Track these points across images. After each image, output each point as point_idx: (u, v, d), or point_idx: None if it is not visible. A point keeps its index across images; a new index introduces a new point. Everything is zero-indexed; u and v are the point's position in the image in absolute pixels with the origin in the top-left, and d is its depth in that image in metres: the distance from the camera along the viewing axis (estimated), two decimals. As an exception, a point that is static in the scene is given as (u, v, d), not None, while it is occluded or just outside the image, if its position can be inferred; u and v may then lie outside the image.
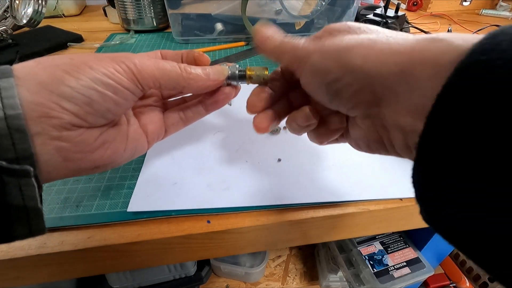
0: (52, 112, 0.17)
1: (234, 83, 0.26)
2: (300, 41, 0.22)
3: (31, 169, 0.17)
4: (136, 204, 0.27)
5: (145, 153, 0.33)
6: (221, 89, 0.26)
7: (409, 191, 0.29)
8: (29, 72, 0.17)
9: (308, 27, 0.65)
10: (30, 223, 0.18)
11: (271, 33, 0.24)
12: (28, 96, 0.17)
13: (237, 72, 0.25)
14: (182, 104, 0.28)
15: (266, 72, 0.25)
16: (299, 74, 0.21)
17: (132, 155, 0.23)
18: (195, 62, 0.26)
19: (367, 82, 0.17)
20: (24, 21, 0.54)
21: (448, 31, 0.66)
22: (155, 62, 0.21)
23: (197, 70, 0.23)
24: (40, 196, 0.18)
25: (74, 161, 0.19)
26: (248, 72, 0.25)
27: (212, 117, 0.39)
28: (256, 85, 0.26)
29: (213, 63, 0.55)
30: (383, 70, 0.16)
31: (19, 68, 0.17)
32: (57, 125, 0.17)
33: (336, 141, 0.25)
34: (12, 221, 0.17)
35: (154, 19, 0.67)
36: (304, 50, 0.21)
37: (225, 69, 0.24)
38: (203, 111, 0.27)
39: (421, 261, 0.48)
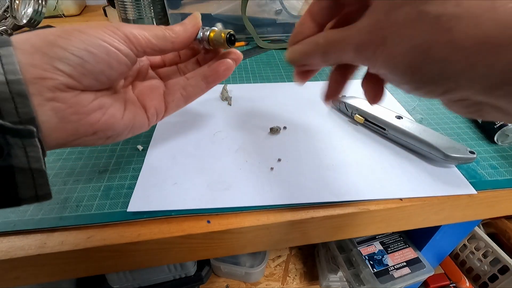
0: (46, 73, 0.18)
1: (207, 45, 0.27)
2: (351, 28, 0.17)
3: (34, 129, 0.17)
4: (136, 204, 0.27)
5: (145, 153, 0.33)
6: (221, 61, 0.27)
7: (409, 191, 0.29)
8: (24, 38, 0.18)
9: (308, 27, 0.65)
10: (35, 185, 0.18)
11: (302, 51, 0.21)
12: (23, 59, 0.17)
13: (206, 33, 0.27)
14: (181, 82, 0.28)
15: (223, 35, 0.26)
16: (372, 65, 0.16)
17: (132, 126, 0.24)
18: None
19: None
20: (24, 21, 0.54)
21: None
22: (142, 26, 0.23)
23: (178, 26, 0.25)
24: (44, 159, 0.19)
25: (71, 123, 0.20)
26: (210, 35, 0.26)
27: (212, 117, 0.39)
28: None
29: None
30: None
31: (16, 37, 0.18)
32: (52, 86, 0.18)
33: None
34: (18, 184, 0.17)
35: (154, 19, 0.67)
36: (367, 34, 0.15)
37: (196, 13, 0.26)
38: (203, 85, 0.28)
39: (421, 261, 0.48)
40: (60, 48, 0.18)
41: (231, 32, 0.26)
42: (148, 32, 0.22)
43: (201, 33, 0.26)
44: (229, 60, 0.27)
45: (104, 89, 0.22)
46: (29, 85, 0.17)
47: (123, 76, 0.24)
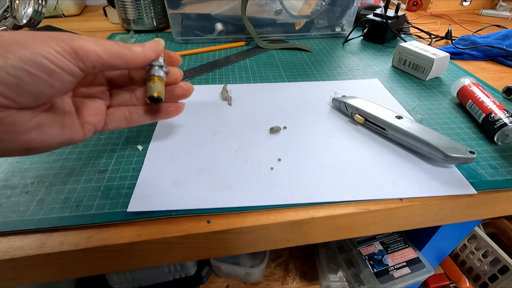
0: None
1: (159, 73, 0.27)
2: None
3: None
4: (136, 204, 0.27)
5: (145, 153, 0.33)
6: (171, 103, 0.28)
7: (409, 191, 0.29)
8: None
9: (308, 27, 0.65)
10: None
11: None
12: None
13: (154, 71, 0.27)
14: (130, 104, 0.28)
15: (150, 93, 0.26)
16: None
17: (67, 143, 0.23)
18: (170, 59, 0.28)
19: None
20: (24, 21, 0.54)
21: (448, 31, 0.66)
22: (96, 39, 0.21)
23: (135, 46, 0.24)
24: None
25: (3, 143, 0.19)
26: (151, 78, 0.27)
27: (212, 117, 0.39)
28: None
29: (214, 63, 0.55)
30: None
31: None
32: None
33: None
34: None
35: (154, 19, 0.67)
36: None
37: (160, 41, 0.27)
38: (149, 117, 0.28)
39: (421, 261, 0.48)
40: None
41: (155, 97, 0.26)
42: (100, 48, 0.21)
43: (154, 66, 0.26)
44: (177, 104, 0.29)
45: (43, 106, 0.21)
46: None
47: (66, 92, 0.22)
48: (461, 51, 0.59)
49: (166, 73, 0.28)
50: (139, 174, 0.30)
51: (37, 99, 0.19)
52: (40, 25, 0.56)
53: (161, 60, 0.27)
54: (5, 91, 0.17)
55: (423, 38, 0.68)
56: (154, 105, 0.28)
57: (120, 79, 0.28)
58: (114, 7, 0.68)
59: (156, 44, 0.26)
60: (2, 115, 0.18)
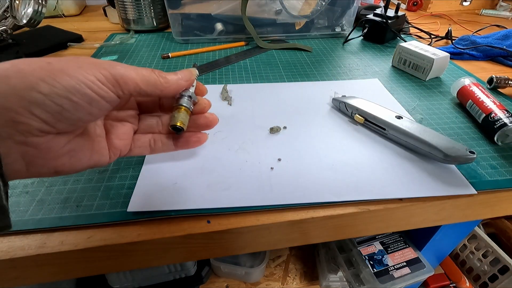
0: (20, 117, 0.17)
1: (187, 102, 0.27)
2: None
3: None
4: (136, 204, 0.27)
5: (145, 153, 0.33)
6: (193, 133, 0.29)
7: (409, 191, 0.29)
8: (2, 75, 0.17)
9: (308, 27, 0.65)
10: None
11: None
12: None
13: (189, 98, 0.27)
14: (156, 131, 0.28)
15: (173, 122, 0.26)
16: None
17: (93, 166, 0.23)
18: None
19: None
20: (24, 21, 0.54)
21: (448, 31, 0.66)
22: (134, 67, 0.22)
23: (172, 75, 0.24)
24: (6, 193, 0.18)
25: (36, 167, 0.19)
26: (178, 108, 0.27)
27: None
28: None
29: (214, 63, 0.55)
30: None
31: None
32: (24, 131, 0.17)
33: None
34: None
35: (154, 19, 0.67)
36: None
37: (194, 70, 0.27)
38: (172, 146, 0.28)
39: (421, 261, 0.48)
40: (40, 94, 0.17)
41: (178, 126, 0.26)
42: (139, 77, 0.21)
43: (184, 96, 0.26)
44: (200, 135, 0.29)
45: (77, 130, 0.21)
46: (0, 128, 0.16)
47: (101, 117, 0.23)
48: (461, 51, 0.59)
49: (194, 103, 0.28)
50: (139, 174, 0.30)
51: (75, 125, 0.20)
52: (40, 25, 0.56)
53: (191, 90, 0.27)
54: (47, 117, 0.18)
55: (423, 38, 0.68)
56: (175, 134, 0.28)
57: (149, 105, 0.28)
58: (114, 7, 0.68)
59: (190, 73, 0.26)
60: (40, 141, 0.18)
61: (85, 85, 0.19)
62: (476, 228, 0.69)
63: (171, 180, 0.30)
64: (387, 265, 0.48)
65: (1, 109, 0.16)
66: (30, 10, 0.54)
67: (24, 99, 0.17)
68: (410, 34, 0.69)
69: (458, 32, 0.72)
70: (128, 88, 0.21)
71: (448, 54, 0.49)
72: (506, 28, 0.72)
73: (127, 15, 0.65)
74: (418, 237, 0.50)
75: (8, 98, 0.16)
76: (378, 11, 0.63)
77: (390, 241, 0.51)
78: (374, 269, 0.48)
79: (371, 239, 0.52)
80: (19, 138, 0.17)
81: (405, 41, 0.54)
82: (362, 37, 0.66)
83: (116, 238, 0.25)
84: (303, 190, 0.29)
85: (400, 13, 0.63)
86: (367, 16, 0.64)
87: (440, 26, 0.77)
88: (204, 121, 0.29)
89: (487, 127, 0.36)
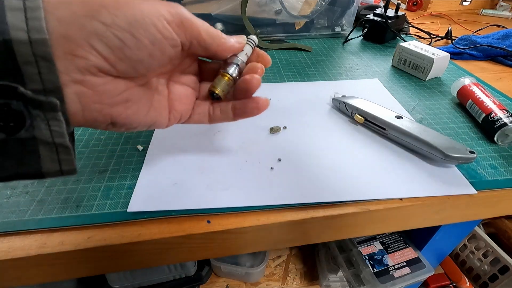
0: (79, 50, 0.15)
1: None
2: None
3: (57, 102, 0.15)
4: (136, 204, 0.27)
5: (145, 153, 0.33)
6: (252, 98, 0.26)
7: (409, 191, 0.29)
8: None
9: (308, 27, 0.65)
10: (60, 160, 0.16)
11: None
12: (57, 26, 0.14)
13: (236, 66, 0.26)
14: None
15: (212, 88, 0.26)
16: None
17: (151, 125, 0.22)
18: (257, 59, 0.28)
19: None
20: (24, 21, 0.54)
21: (448, 31, 0.66)
22: (198, 18, 0.21)
23: (226, 38, 0.24)
24: (71, 134, 0.17)
25: (91, 112, 0.17)
26: (221, 77, 0.26)
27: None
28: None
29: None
30: None
31: None
32: (82, 67, 0.16)
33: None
34: (41, 157, 0.16)
35: (154, 19, 0.66)
36: None
37: (244, 37, 0.27)
38: (230, 115, 0.26)
39: (421, 261, 0.48)
40: (101, 24, 0.15)
41: (215, 94, 0.25)
42: (203, 26, 0.21)
43: (231, 63, 0.25)
44: (258, 100, 0.26)
45: (137, 80, 0.20)
46: (57, 60, 0.15)
47: (163, 66, 0.21)
48: (461, 51, 0.59)
49: (241, 72, 0.26)
50: (139, 174, 0.30)
51: (135, 67, 0.18)
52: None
53: (241, 58, 0.26)
54: (107, 53, 0.16)
55: (423, 38, 0.68)
56: (211, 99, 0.27)
57: (210, 72, 0.28)
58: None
59: (241, 37, 0.26)
60: (98, 82, 0.16)
61: (150, 21, 0.17)
62: (476, 228, 0.69)
63: (171, 180, 0.30)
64: (387, 265, 0.48)
65: (61, 37, 0.15)
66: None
67: (85, 29, 0.15)
68: (410, 34, 0.69)
69: (458, 32, 0.72)
70: (191, 34, 0.20)
71: (448, 54, 0.49)
72: (506, 28, 0.72)
73: (127, 15, 0.65)
74: (418, 237, 0.50)
75: (68, 25, 0.15)
76: (378, 11, 0.63)
77: (390, 241, 0.51)
78: (374, 269, 0.48)
79: (371, 239, 0.52)
80: (76, 76, 0.16)
81: (405, 41, 0.54)
82: (362, 37, 0.66)
83: (116, 238, 0.25)
84: (303, 190, 0.29)
85: (400, 13, 0.63)
86: (367, 16, 0.64)
87: (440, 26, 0.77)
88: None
89: (487, 127, 0.36)
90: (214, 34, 0.22)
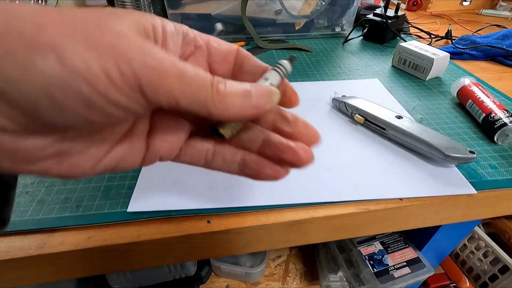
0: None
1: None
2: None
3: None
4: (136, 204, 0.27)
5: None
6: (270, 163, 0.19)
7: (409, 191, 0.29)
8: None
9: (308, 27, 0.65)
10: None
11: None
12: None
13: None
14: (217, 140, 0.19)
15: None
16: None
17: (110, 170, 0.16)
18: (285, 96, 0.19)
19: None
20: (24, 21, 0.54)
21: (448, 31, 0.66)
22: (181, 69, 0.13)
23: (234, 88, 0.14)
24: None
25: (10, 169, 0.13)
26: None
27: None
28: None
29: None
30: None
31: None
32: None
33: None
34: None
35: (154, 19, 0.66)
36: None
37: (275, 93, 0.16)
38: (235, 167, 0.19)
39: (421, 261, 0.48)
40: (4, 77, 0.11)
41: (219, 132, 0.17)
42: (179, 86, 0.13)
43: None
44: (279, 169, 0.19)
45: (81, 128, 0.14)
46: None
47: (124, 120, 0.14)
48: (461, 51, 0.59)
49: None
50: (139, 174, 0.30)
51: (64, 128, 0.13)
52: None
53: None
54: (15, 115, 0.11)
55: (423, 38, 0.68)
56: (215, 137, 0.18)
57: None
58: (114, 7, 0.68)
59: (267, 97, 0.16)
60: (4, 139, 0.12)
61: (82, 78, 0.11)
62: (476, 228, 0.69)
63: (171, 180, 0.30)
64: (387, 265, 0.48)
65: None
66: (30, 10, 0.54)
67: None
68: (410, 34, 0.69)
69: (458, 32, 0.72)
70: (156, 99, 0.13)
71: (448, 54, 0.49)
72: (506, 28, 0.72)
73: (127, 15, 0.65)
74: (418, 237, 0.50)
75: None
76: (378, 11, 0.63)
77: (390, 241, 0.51)
78: (374, 269, 0.48)
79: (371, 239, 0.52)
80: None
81: (405, 41, 0.54)
82: (362, 37, 0.66)
83: (116, 238, 0.25)
84: (303, 190, 0.29)
85: (400, 13, 0.63)
86: (367, 16, 0.64)
87: (440, 26, 0.77)
88: (291, 155, 0.19)
89: (487, 127, 0.36)
90: (202, 99, 0.14)
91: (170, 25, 0.16)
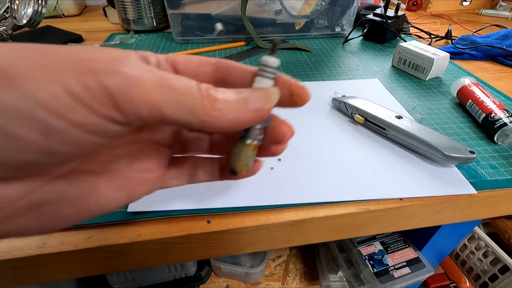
0: None
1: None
2: None
3: None
4: (136, 204, 0.27)
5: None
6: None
7: (409, 191, 0.29)
8: None
9: (308, 27, 0.65)
10: None
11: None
12: None
13: (260, 131, 0.17)
14: (197, 151, 0.19)
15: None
16: None
17: (85, 219, 0.14)
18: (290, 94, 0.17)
19: None
20: (24, 21, 0.54)
21: (448, 31, 0.66)
22: (159, 75, 0.11)
23: (227, 95, 0.13)
24: None
25: None
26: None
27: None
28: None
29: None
30: None
31: None
32: None
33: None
34: None
35: (154, 19, 0.67)
36: None
37: (274, 92, 0.16)
38: (217, 175, 0.19)
39: (421, 261, 0.48)
40: None
41: (237, 172, 0.17)
42: (161, 94, 0.11)
43: (253, 128, 0.16)
44: (258, 164, 0.18)
45: (52, 170, 0.12)
46: None
47: (93, 156, 0.13)
48: (461, 51, 0.59)
49: (266, 130, 0.17)
50: (139, 174, 0.30)
51: (27, 170, 0.11)
52: (40, 25, 0.56)
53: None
54: None
55: (423, 38, 0.68)
56: (231, 175, 0.17)
57: None
58: (114, 7, 0.68)
59: (265, 97, 0.15)
60: None
61: (39, 104, 0.09)
62: (476, 228, 0.69)
63: (171, 180, 0.30)
64: (387, 265, 0.48)
65: None
66: (30, 10, 0.54)
67: None
68: (410, 34, 0.69)
69: (458, 32, 0.72)
70: (135, 112, 0.11)
71: (448, 54, 0.49)
72: (506, 28, 0.72)
73: (127, 15, 0.65)
74: (418, 237, 0.50)
75: None
76: (378, 11, 0.63)
77: (390, 241, 0.51)
78: (374, 269, 0.48)
79: (371, 239, 0.52)
80: None
81: (405, 41, 0.54)
82: (362, 37, 0.66)
83: (116, 238, 0.25)
84: (303, 190, 0.29)
85: (400, 13, 0.63)
86: (367, 16, 0.64)
87: (440, 26, 0.77)
88: (272, 150, 0.19)
89: (487, 127, 0.36)
90: (191, 106, 0.12)
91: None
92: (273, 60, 0.16)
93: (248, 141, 0.16)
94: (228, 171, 0.17)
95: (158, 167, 0.16)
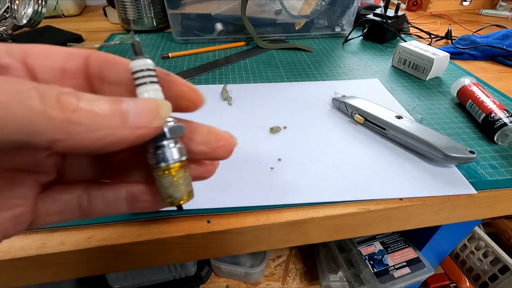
0: None
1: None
2: None
3: None
4: (136, 204, 0.27)
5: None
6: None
7: (409, 191, 0.29)
8: None
9: (308, 27, 0.65)
10: None
11: None
12: None
13: (175, 143, 0.14)
14: (88, 177, 0.15)
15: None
16: None
17: None
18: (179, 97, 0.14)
19: None
20: (24, 21, 0.54)
21: (448, 31, 0.66)
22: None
23: (97, 104, 0.10)
24: None
25: None
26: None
27: (212, 117, 0.39)
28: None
29: (214, 63, 0.55)
30: None
31: None
32: None
33: None
34: None
35: (154, 19, 0.67)
36: None
37: (164, 107, 0.12)
38: (123, 204, 0.15)
39: (421, 261, 0.48)
40: None
41: (181, 205, 0.15)
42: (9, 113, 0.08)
43: (163, 144, 0.13)
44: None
45: None
46: None
47: None
48: (461, 51, 0.59)
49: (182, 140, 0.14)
50: (139, 174, 0.30)
51: None
52: (40, 25, 0.56)
53: (171, 122, 0.13)
54: None
55: (423, 38, 0.68)
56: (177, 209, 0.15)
57: None
58: (114, 7, 0.68)
59: (152, 112, 0.11)
60: None
61: None
62: (476, 228, 0.69)
63: (171, 180, 0.30)
64: (387, 265, 0.48)
65: None
66: (30, 10, 0.54)
67: None
68: (410, 34, 0.69)
69: (458, 32, 0.72)
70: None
71: (448, 54, 0.49)
72: (506, 28, 0.72)
73: (127, 15, 0.65)
74: (418, 237, 0.50)
75: None
76: (378, 11, 0.63)
77: (390, 241, 0.51)
78: (374, 269, 0.48)
79: (371, 239, 0.52)
80: None
81: (405, 41, 0.54)
82: (362, 37, 0.66)
83: (116, 238, 0.25)
84: (303, 190, 0.29)
85: (400, 13, 0.63)
86: (367, 16, 0.64)
87: (440, 26, 0.77)
88: (201, 170, 0.17)
89: (487, 127, 0.36)
90: (25, 117, 0.09)
91: None
92: (148, 62, 0.13)
93: (165, 163, 0.13)
94: (167, 205, 0.14)
95: (18, 203, 0.12)
